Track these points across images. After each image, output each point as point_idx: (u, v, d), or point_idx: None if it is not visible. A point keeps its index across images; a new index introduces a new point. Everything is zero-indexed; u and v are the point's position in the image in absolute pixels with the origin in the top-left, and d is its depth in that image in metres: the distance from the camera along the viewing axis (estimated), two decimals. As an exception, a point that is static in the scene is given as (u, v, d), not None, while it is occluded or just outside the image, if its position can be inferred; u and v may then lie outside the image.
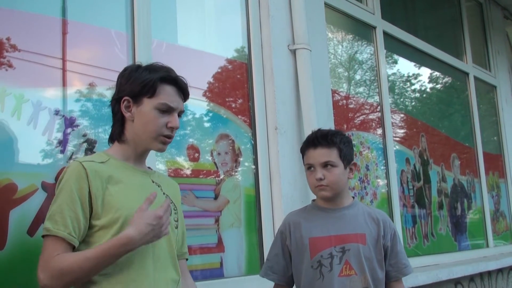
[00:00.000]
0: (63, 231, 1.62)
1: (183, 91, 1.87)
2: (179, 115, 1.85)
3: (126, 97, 1.79)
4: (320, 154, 2.18)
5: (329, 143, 2.19)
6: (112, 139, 1.86)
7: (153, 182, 1.86)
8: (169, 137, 1.82)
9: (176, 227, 1.87)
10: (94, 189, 1.67)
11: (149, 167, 1.95)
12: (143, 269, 1.69)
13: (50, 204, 1.67)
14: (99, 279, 1.64)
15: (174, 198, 1.91)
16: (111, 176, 1.72)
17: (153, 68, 1.83)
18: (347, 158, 2.22)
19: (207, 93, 3.07)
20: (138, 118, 1.79)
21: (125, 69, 1.87)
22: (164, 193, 1.86)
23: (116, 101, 1.82)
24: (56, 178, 2.24)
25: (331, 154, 2.18)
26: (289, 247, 2.25)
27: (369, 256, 2.20)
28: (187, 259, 2.02)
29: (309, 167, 2.22)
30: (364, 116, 4.53)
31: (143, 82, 1.78)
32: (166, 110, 1.79)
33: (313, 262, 2.18)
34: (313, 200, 2.35)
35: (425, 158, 5.03)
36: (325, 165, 2.17)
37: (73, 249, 1.65)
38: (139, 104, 1.79)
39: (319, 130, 2.29)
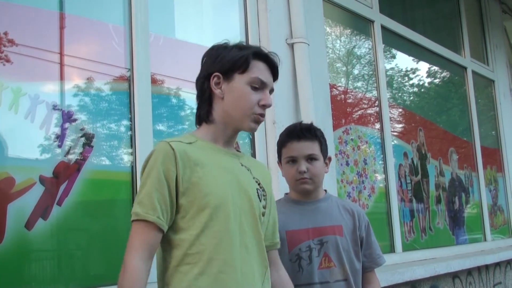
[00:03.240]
0: (152, 215, 1.56)
1: (273, 69, 1.78)
2: (270, 93, 1.77)
3: (216, 73, 1.72)
4: (304, 147, 2.16)
5: (313, 136, 2.18)
6: (199, 120, 1.79)
7: (242, 165, 1.77)
8: (262, 115, 1.74)
9: (263, 214, 1.78)
10: (182, 171, 1.60)
11: (238, 150, 1.90)
12: (230, 260, 1.62)
13: (139, 187, 1.62)
14: (184, 269, 1.60)
15: (264, 183, 1.83)
16: (199, 158, 1.64)
17: (242, 46, 1.78)
18: (325, 152, 2.22)
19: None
20: (229, 95, 1.72)
21: (212, 48, 1.79)
22: (254, 177, 1.78)
23: (204, 79, 1.75)
24: (54, 172, 2.25)
25: (314, 147, 2.17)
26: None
27: (346, 248, 2.20)
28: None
29: (291, 160, 2.18)
30: (362, 110, 4.54)
31: (235, 57, 1.71)
32: (259, 86, 1.72)
33: (292, 256, 2.16)
34: (286, 194, 2.33)
35: (423, 152, 5.04)
36: (309, 158, 2.15)
37: (162, 234, 1.60)
38: (230, 80, 1.72)
39: (300, 123, 2.29)
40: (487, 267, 5.21)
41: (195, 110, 2.98)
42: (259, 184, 1.78)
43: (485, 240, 5.85)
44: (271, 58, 1.78)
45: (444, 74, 6.06)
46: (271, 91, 1.78)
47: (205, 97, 1.75)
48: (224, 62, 1.72)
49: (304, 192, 2.21)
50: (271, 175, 1.95)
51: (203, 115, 1.75)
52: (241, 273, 1.63)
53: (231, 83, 1.71)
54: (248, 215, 1.70)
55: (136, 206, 1.58)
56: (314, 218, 2.20)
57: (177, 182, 1.60)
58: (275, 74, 1.80)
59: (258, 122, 1.75)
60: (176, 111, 2.85)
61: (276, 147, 3.10)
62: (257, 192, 1.75)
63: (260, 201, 1.75)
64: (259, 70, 1.73)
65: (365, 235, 2.28)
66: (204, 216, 1.60)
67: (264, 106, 1.73)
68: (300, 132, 2.19)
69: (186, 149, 1.63)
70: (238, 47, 1.76)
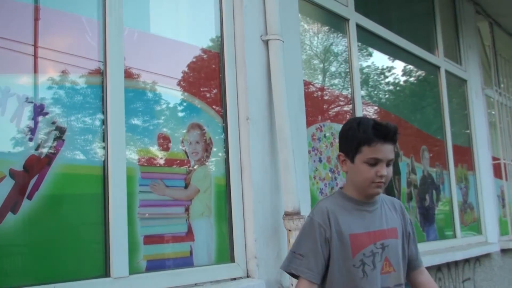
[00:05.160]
0: None
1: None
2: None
3: None
4: (389, 150, 2.06)
5: (396, 140, 2.10)
6: None
7: None
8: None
9: None
10: None
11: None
12: None
13: None
14: None
15: None
16: None
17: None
18: None
19: (181, 83, 3.07)
20: None
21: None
22: None
23: None
24: (25, 166, 2.23)
25: (393, 151, 2.08)
26: (330, 241, 2.05)
27: (402, 251, 2.14)
28: None
29: (373, 162, 2.05)
30: (339, 108, 4.57)
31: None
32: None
33: (355, 261, 2.04)
34: (341, 189, 2.20)
35: (395, 150, 5.09)
36: (389, 162, 2.06)
37: None
38: None
39: (387, 123, 2.12)
40: (456, 263, 5.31)
41: (170, 105, 3.03)
42: None
43: (455, 236, 5.95)
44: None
45: (419, 73, 6.14)
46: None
47: None
48: None
49: (374, 195, 2.11)
50: None
51: None
52: None
53: None
54: None
55: None
56: (374, 220, 2.11)
57: None
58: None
59: None
60: (151, 105, 2.85)
61: (249, 142, 3.15)
62: None
63: None
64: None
65: (411, 230, 2.20)
66: None
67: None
68: (391, 134, 2.08)
69: None
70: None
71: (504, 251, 6.67)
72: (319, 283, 2.06)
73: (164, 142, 2.85)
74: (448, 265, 5.12)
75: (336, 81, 4.67)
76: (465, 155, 6.58)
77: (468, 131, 6.74)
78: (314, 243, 2.05)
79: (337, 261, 2.05)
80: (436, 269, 4.88)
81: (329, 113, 4.41)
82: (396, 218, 2.17)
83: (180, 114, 3.02)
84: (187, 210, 2.88)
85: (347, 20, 4.60)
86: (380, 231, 2.10)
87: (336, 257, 2.05)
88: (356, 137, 2.09)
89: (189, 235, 2.87)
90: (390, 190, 4.87)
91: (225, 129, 3.17)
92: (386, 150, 2.06)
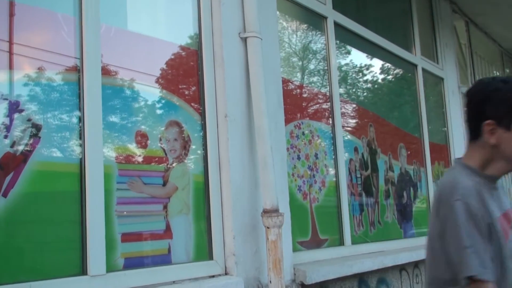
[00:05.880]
0: None
1: None
2: None
3: None
4: None
5: None
6: None
7: None
8: None
9: None
10: None
11: None
12: None
13: None
14: None
15: None
16: None
17: None
18: None
19: (159, 80, 3.05)
20: None
21: None
22: None
23: None
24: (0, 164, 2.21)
25: None
26: (490, 228, 1.69)
27: None
28: None
29: None
30: (317, 105, 4.59)
31: None
32: None
33: (509, 250, 1.72)
34: (463, 162, 1.84)
35: (373, 147, 5.14)
36: None
37: None
38: None
39: None
40: (433, 259, 5.35)
41: (149, 103, 3.01)
42: None
43: (432, 233, 5.99)
44: None
45: (396, 71, 6.19)
46: None
47: None
48: None
49: None
50: None
51: None
52: None
53: None
54: None
55: None
56: (500, 199, 1.81)
57: None
58: None
59: None
60: (129, 103, 2.83)
61: (228, 140, 3.14)
62: None
63: None
64: None
65: None
66: None
67: None
68: None
69: None
70: None
71: (479, 247, 6.75)
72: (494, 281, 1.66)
73: (142, 139, 2.83)
74: (425, 261, 5.15)
75: (314, 78, 4.69)
76: (442, 152, 6.66)
77: (445, 128, 6.82)
78: (480, 235, 1.67)
79: (493, 254, 1.70)
80: (413, 266, 4.94)
81: (308, 110, 4.42)
82: (506, 197, 1.92)
83: (158, 112, 3.01)
84: (165, 207, 2.87)
85: (325, 18, 4.62)
86: (508, 211, 1.81)
87: (492, 249, 1.70)
88: None
89: (167, 232, 2.86)
90: (368, 187, 4.91)
91: (203, 127, 3.16)
92: None
